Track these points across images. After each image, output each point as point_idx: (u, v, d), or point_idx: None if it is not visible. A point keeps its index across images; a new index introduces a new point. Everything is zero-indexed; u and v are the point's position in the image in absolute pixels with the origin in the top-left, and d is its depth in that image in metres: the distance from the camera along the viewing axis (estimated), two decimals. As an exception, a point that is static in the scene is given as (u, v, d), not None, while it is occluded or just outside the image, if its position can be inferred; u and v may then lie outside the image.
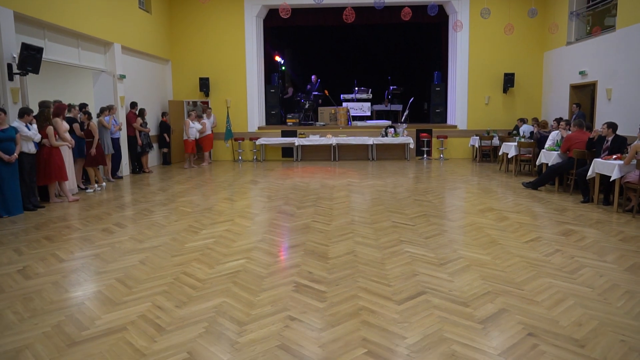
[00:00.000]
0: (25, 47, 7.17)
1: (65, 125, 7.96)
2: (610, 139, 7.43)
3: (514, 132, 12.64)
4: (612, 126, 7.47)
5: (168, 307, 3.58)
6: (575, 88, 12.09)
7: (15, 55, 7.28)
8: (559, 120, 9.97)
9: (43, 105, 7.64)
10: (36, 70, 7.47)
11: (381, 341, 3.02)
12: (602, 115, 10.40)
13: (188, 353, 2.90)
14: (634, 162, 6.49)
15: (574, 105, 11.34)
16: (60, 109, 8.01)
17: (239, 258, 4.75)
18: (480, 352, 2.88)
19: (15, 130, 6.78)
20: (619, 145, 7.30)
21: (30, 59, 7.30)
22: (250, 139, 13.81)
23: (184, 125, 12.36)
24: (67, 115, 8.59)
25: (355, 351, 2.90)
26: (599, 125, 9.96)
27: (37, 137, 7.16)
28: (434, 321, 3.29)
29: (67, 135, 7.94)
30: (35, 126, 7.18)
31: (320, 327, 3.22)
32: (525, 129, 11.78)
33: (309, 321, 3.32)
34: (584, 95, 12.06)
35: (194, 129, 12.28)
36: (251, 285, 4.00)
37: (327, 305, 3.59)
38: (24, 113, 7.02)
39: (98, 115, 9.74)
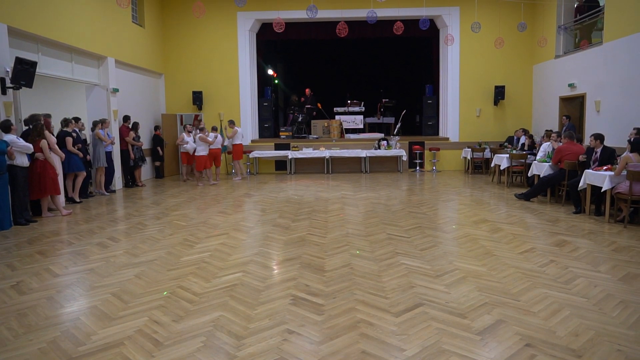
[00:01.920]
0: (19, 61, 7.17)
1: (53, 138, 7.90)
2: (598, 150, 7.54)
3: (506, 143, 12.77)
4: (599, 137, 7.59)
5: (165, 321, 3.55)
6: (564, 100, 12.27)
7: (8, 69, 7.27)
8: (549, 132, 10.10)
9: (33, 119, 7.59)
10: (30, 84, 7.46)
11: (380, 353, 3.02)
12: (592, 127, 10.56)
13: (186, 368, 2.89)
14: (624, 173, 6.59)
15: (564, 117, 11.49)
16: (47, 122, 7.95)
17: (235, 271, 4.73)
18: (479, 364, 2.89)
19: (6, 143, 6.72)
20: (608, 156, 7.42)
21: (24, 73, 7.30)
22: (244, 152, 13.79)
23: (199, 139, 11.11)
24: (65, 129, 8.61)
25: (354, 364, 2.90)
26: (588, 136, 10.10)
27: (31, 149, 7.10)
28: (432, 333, 3.30)
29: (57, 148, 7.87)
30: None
31: (319, 340, 3.22)
32: (522, 140, 11.91)
33: (307, 334, 3.31)
34: (573, 108, 12.24)
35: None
36: (248, 299, 3.99)
37: (325, 318, 3.58)
38: (9, 126, 6.95)
39: (92, 129, 9.73)
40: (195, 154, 11.30)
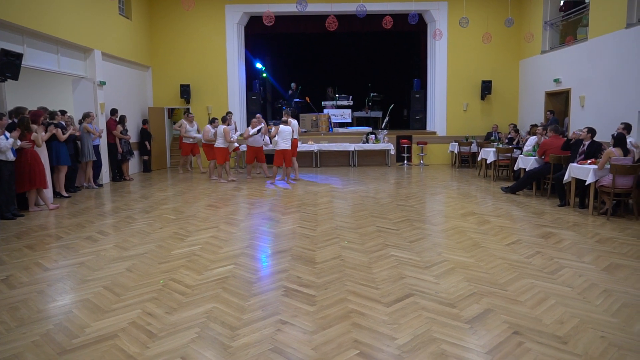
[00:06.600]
0: (4, 53, 7.06)
1: (42, 133, 7.80)
2: (587, 143, 7.69)
3: (492, 138, 12.92)
4: (592, 131, 7.73)
5: (158, 313, 3.57)
6: (550, 95, 12.45)
7: (-7, 62, 7.16)
8: (534, 126, 10.26)
9: (18, 112, 7.47)
10: (15, 77, 7.35)
11: (372, 342, 3.09)
12: (576, 121, 10.74)
13: (182, 358, 2.92)
14: (608, 166, 6.74)
15: (548, 112, 11.67)
16: (37, 115, 7.84)
17: (226, 264, 4.76)
18: (468, 351, 2.97)
19: None
20: (595, 150, 7.56)
21: (10, 65, 7.19)
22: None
23: (223, 132, 10.44)
24: (52, 121, 8.49)
25: (347, 352, 2.96)
26: (572, 131, 10.28)
27: (17, 143, 6.99)
28: (422, 322, 3.37)
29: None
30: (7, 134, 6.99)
31: (312, 330, 3.27)
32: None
33: (300, 324, 3.36)
34: (558, 103, 12.42)
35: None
36: (241, 291, 4.02)
37: (317, 308, 3.64)
38: None
39: (80, 122, 9.62)
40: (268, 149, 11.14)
